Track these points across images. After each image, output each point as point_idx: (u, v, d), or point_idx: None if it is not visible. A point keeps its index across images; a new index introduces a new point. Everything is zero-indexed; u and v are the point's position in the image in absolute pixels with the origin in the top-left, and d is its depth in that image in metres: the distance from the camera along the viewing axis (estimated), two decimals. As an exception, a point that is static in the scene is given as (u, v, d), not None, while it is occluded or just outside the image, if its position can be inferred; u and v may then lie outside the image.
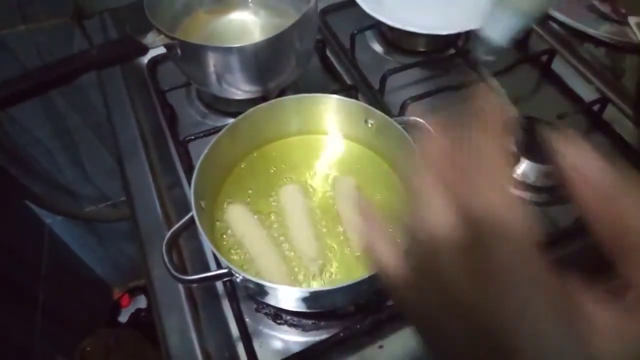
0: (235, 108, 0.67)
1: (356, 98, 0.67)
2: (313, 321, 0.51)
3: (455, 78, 0.72)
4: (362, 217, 0.28)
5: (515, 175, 0.59)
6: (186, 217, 0.46)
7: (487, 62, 0.57)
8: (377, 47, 0.80)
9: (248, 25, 0.73)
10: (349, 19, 0.80)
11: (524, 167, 0.59)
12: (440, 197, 0.23)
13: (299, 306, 0.47)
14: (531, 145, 0.58)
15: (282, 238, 0.51)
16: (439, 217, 0.22)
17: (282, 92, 0.70)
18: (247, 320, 0.50)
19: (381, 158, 0.57)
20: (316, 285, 0.48)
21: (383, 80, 0.69)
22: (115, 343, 1.19)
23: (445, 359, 0.24)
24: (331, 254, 0.50)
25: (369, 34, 0.81)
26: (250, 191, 0.55)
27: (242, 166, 0.57)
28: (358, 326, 0.48)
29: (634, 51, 0.74)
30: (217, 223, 0.52)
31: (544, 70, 0.75)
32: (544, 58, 0.74)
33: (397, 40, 0.79)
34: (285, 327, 0.51)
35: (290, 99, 0.56)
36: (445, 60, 0.77)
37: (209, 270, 0.54)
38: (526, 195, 0.59)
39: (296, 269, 0.49)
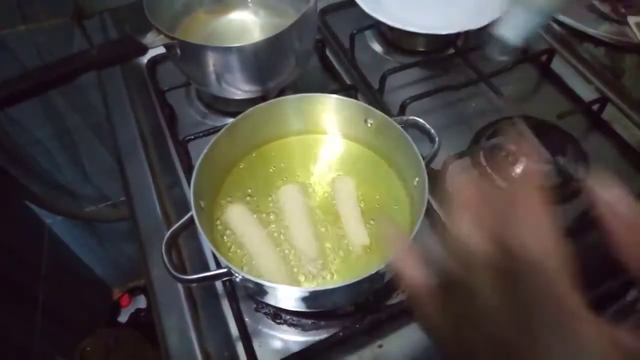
0: (234, 108, 0.66)
1: (356, 98, 0.67)
2: (312, 321, 0.51)
3: (455, 78, 0.72)
4: (390, 239, 0.30)
5: (514, 175, 0.59)
6: (186, 217, 0.46)
7: (501, 62, 0.56)
8: (377, 47, 0.80)
9: (248, 25, 0.73)
10: (349, 19, 0.80)
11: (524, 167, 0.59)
12: (479, 230, 0.25)
13: (299, 306, 0.47)
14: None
15: (281, 238, 0.51)
16: (478, 246, 0.24)
17: (281, 92, 0.70)
18: (246, 319, 0.50)
19: (381, 158, 0.57)
20: (316, 285, 0.48)
21: (382, 80, 0.69)
22: (115, 343, 1.19)
23: None
24: (331, 253, 0.50)
25: (368, 33, 0.81)
26: (249, 191, 0.55)
27: (242, 166, 0.57)
28: (357, 326, 0.48)
29: (634, 51, 0.74)
30: (217, 223, 0.52)
31: (543, 70, 0.75)
32: (544, 58, 0.74)
33: (396, 40, 0.79)
34: (284, 327, 0.51)
35: (289, 99, 0.56)
36: (445, 60, 0.77)
37: (208, 270, 0.54)
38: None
39: (295, 269, 0.49)
